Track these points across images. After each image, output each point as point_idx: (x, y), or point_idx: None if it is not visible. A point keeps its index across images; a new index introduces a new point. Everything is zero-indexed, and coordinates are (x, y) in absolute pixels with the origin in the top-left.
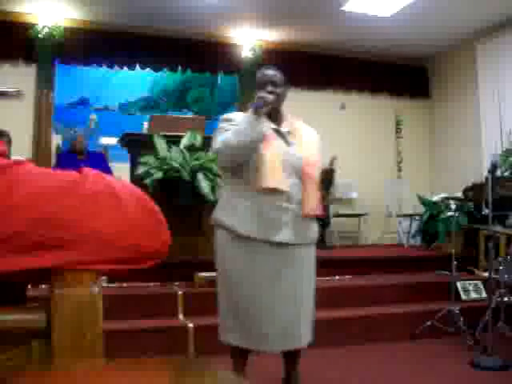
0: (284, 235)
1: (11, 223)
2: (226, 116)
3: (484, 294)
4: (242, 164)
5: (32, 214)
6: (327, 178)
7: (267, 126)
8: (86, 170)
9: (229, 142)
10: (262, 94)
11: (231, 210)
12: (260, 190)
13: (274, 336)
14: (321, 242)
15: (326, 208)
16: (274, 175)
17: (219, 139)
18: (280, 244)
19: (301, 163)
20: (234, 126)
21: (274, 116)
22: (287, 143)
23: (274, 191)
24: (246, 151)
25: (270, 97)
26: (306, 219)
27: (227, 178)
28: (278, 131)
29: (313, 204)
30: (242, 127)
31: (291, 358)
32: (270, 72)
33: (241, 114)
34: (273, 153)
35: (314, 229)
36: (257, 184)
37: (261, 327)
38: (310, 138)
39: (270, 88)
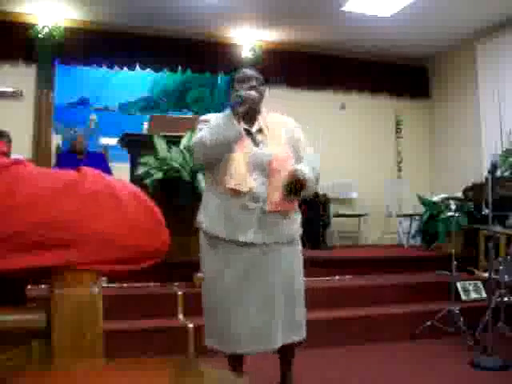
0: (250, 235)
1: (11, 223)
2: (203, 117)
3: (484, 294)
4: (215, 163)
5: (32, 214)
6: (288, 185)
7: (242, 125)
8: (85, 169)
9: (204, 139)
10: (241, 92)
11: (205, 211)
12: (227, 191)
13: (246, 337)
14: (321, 242)
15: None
16: (238, 176)
17: (194, 137)
18: (248, 244)
19: (267, 161)
20: (207, 126)
21: (249, 115)
22: (255, 143)
23: (238, 192)
24: (220, 149)
25: (252, 92)
26: (277, 218)
27: (205, 177)
28: (247, 131)
29: (276, 199)
30: (218, 125)
31: (284, 358)
32: (251, 70)
33: (217, 114)
34: (240, 153)
35: (290, 226)
36: (222, 184)
37: (231, 328)
38: (281, 132)
39: (252, 82)
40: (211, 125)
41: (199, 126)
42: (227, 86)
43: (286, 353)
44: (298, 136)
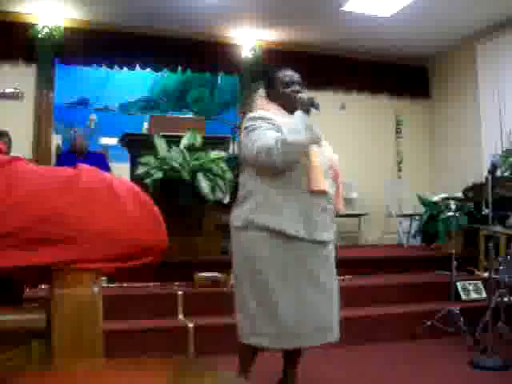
0: (324, 234)
1: (10, 220)
2: (258, 115)
3: (484, 294)
4: (290, 165)
5: (31, 211)
6: None
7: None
8: (81, 165)
9: (285, 140)
10: (307, 95)
11: (275, 211)
12: (308, 192)
13: (311, 332)
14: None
15: None
16: (321, 177)
17: (268, 136)
18: (322, 242)
19: (330, 163)
20: (273, 125)
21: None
22: (320, 142)
23: (321, 193)
24: (300, 151)
25: (311, 96)
26: (334, 218)
27: (265, 178)
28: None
29: (343, 202)
30: (299, 127)
31: (292, 357)
32: (292, 72)
33: (267, 113)
34: (317, 155)
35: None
36: (305, 186)
37: (299, 323)
38: (323, 139)
39: (297, 87)
40: (288, 127)
41: (257, 123)
42: (230, 86)
43: (297, 352)
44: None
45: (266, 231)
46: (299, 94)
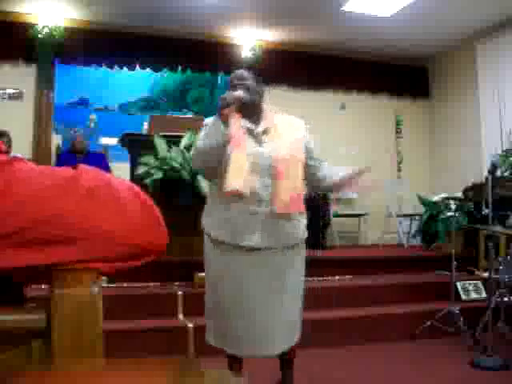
0: (252, 239)
1: (10, 220)
2: (205, 121)
3: (484, 294)
4: (213, 168)
5: (31, 211)
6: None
7: (239, 126)
8: (82, 166)
9: (199, 145)
10: (224, 95)
11: (207, 214)
12: (227, 194)
13: (247, 341)
14: (321, 242)
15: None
16: (238, 178)
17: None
18: (250, 248)
19: (270, 163)
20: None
21: (253, 115)
22: (259, 143)
23: (240, 195)
24: (212, 154)
25: (237, 92)
26: (281, 221)
27: (207, 181)
28: (251, 131)
29: (286, 201)
30: (208, 130)
31: (285, 358)
32: (241, 72)
33: (209, 119)
34: (239, 154)
35: (294, 230)
36: (223, 188)
37: (233, 331)
38: (290, 133)
39: (235, 82)
40: (203, 131)
41: (201, 131)
42: (226, 87)
43: (287, 353)
44: (309, 139)
45: (207, 235)
46: (224, 94)
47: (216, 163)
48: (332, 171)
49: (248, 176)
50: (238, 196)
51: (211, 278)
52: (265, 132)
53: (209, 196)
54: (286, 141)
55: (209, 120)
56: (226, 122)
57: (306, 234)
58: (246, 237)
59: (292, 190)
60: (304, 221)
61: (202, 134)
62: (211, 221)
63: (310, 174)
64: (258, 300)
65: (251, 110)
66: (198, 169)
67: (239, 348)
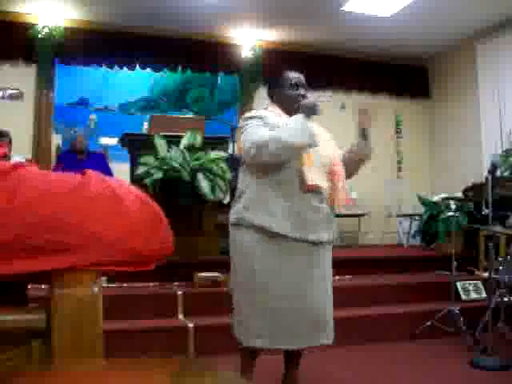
0: (318, 234)
1: (13, 227)
2: (254, 113)
3: (484, 294)
4: (281, 164)
5: (34, 218)
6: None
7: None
8: (89, 172)
9: (279, 138)
10: (313, 99)
11: (264, 209)
12: (299, 191)
13: (305, 333)
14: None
15: None
16: (316, 175)
17: (258, 134)
18: (314, 243)
19: (329, 163)
20: (266, 124)
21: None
22: (316, 144)
23: (313, 191)
24: (295, 152)
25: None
26: (333, 219)
27: (257, 176)
28: None
29: (342, 202)
30: (296, 128)
31: (293, 358)
32: (299, 75)
33: (265, 112)
34: (310, 154)
35: (336, 226)
36: (297, 185)
37: (293, 324)
38: (327, 138)
39: (302, 91)
40: (288, 127)
41: (253, 122)
42: (230, 86)
43: (298, 353)
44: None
45: (256, 229)
46: (305, 100)
47: (288, 159)
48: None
49: (318, 174)
50: (309, 192)
51: (264, 276)
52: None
53: (255, 189)
54: (329, 142)
55: (265, 113)
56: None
57: None
58: (314, 232)
59: (344, 190)
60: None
61: (262, 125)
62: (272, 216)
63: None
64: (321, 294)
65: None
66: (267, 161)
67: (303, 341)
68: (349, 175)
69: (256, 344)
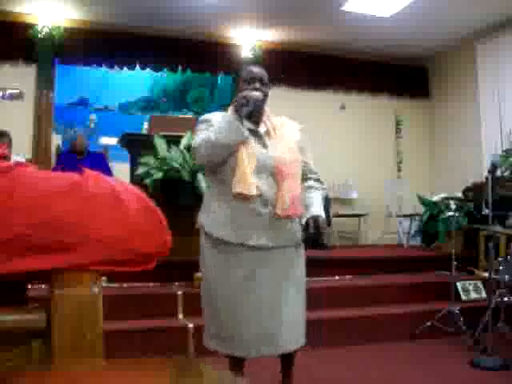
0: (258, 239)
1: (13, 226)
2: (204, 117)
3: (484, 294)
4: (219, 165)
5: (34, 218)
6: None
7: (245, 127)
8: (88, 172)
9: (208, 139)
10: (245, 93)
11: (208, 213)
12: (235, 195)
13: (250, 341)
14: (321, 242)
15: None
16: (246, 180)
17: (197, 137)
18: (254, 247)
19: (273, 164)
20: (210, 127)
21: (255, 116)
22: (263, 145)
23: (247, 196)
24: (224, 151)
25: (257, 94)
26: (284, 221)
27: (208, 178)
28: (254, 132)
29: (287, 204)
30: (223, 127)
31: (285, 359)
32: (257, 69)
33: (219, 113)
34: (246, 156)
35: (296, 230)
36: (229, 189)
37: (236, 330)
38: (289, 136)
39: (257, 85)
40: (216, 126)
41: (200, 126)
42: (230, 86)
43: (288, 354)
44: (304, 141)
45: (206, 234)
46: (243, 93)
47: (222, 159)
48: (310, 201)
49: (255, 178)
50: (245, 197)
51: (211, 278)
52: (266, 133)
53: (207, 194)
54: (286, 142)
55: (212, 116)
56: (241, 121)
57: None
58: (253, 236)
59: (293, 192)
60: (304, 221)
61: (209, 129)
62: (212, 220)
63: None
64: (264, 300)
65: (255, 111)
66: (201, 164)
67: (246, 350)
68: None
69: (208, 345)
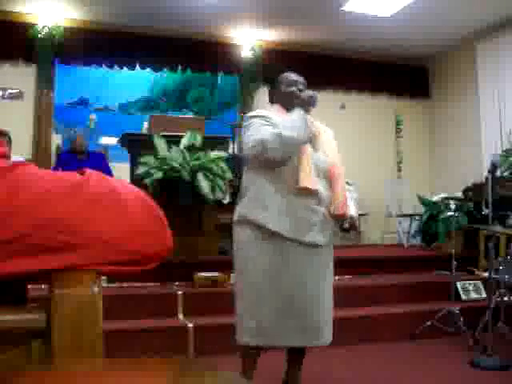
0: (313, 236)
1: (13, 226)
2: (256, 113)
3: (484, 294)
4: (284, 161)
5: (34, 217)
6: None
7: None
8: (89, 171)
9: (280, 134)
10: (310, 92)
11: (262, 207)
12: (296, 191)
13: (292, 332)
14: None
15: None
16: (309, 177)
17: (259, 131)
18: (308, 245)
19: (327, 164)
20: (270, 122)
21: None
22: (314, 147)
23: (308, 192)
24: (296, 147)
25: (311, 92)
26: (330, 221)
27: (258, 174)
28: None
29: (340, 205)
30: (296, 123)
31: (296, 357)
32: (297, 75)
33: (267, 111)
34: (306, 155)
35: (335, 230)
36: (293, 184)
37: (283, 324)
38: (330, 139)
39: (301, 86)
40: (287, 123)
41: (256, 120)
42: (230, 86)
43: (301, 352)
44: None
45: (255, 227)
46: (300, 93)
47: (291, 155)
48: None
49: (314, 176)
50: (305, 193)
51: (257, 274)
52: (314, 136)
53: (255, 188)
54: (331, 146)
55: (267, 113)
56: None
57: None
58: (309, 233)
59: (343, 194)
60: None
61: (267, 125)
62: (268, 215)
63: None
64: (314, 296)
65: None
66: (273, 158)
67: (291, 340)
68: None
69: (246, 340)
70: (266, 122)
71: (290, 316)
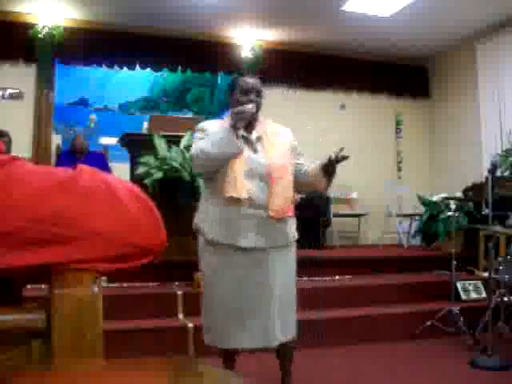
0: (251, 241)
1: (9, 220)
2: (200, 125)
3: (484, 294)
4: (214, 173)
5: (30, 211)
6: (330, 166)
7: (239, 136)
8: (81, 166)
9: (205, 151)
10: (239, 109)
11: (203, 216)
12: (226, 199)
13: (243, 335)
14: (321, 242)
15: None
16: (236, 184)
17: (194, 146)
18: (247, 248)
19: (264, 169)
20: (206, 136)
21: (247, 124)
22: (254, 150)
23: (238, 200)
24: (220, 162)
25: (250, 107)
26: (274, 223)
27: (205, 185)
28: (246, 138)
29: (278, 206)
30: (219, 140)
31: (283, 358)
32: (252, 80)
33: (215, 122)
34: (238, 160)
35: (286, 231)
36: (222, 193)
37: (231, 327)
38: (281, 141)
39: (252, 96)
40: (212, 138)
41: (197, 135)
42: (227, 87)
43: (285, 353)
44: (295, 146)
45: (202, 236)
46: (240, 108)
47: (218, 170)
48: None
49: (245, 181)
50: (235, 201)
51: (207, 277)
52: (258, 139)
53: (203, 197)
54: (278, 148)
55: (209, 124)
56: (236, 134)
57: (296, 236)
58: (243, 238)
59: (284, 195)
60: (294, 223)
61: (205, 140)
62: (207, 223)
63: (297, 173)
64: (256, 300)
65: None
66: (197, 172)
67: (236, 342)
68: (298, 190)
69: (205, 340)
70: (202, 136)
71: (236, 317)
